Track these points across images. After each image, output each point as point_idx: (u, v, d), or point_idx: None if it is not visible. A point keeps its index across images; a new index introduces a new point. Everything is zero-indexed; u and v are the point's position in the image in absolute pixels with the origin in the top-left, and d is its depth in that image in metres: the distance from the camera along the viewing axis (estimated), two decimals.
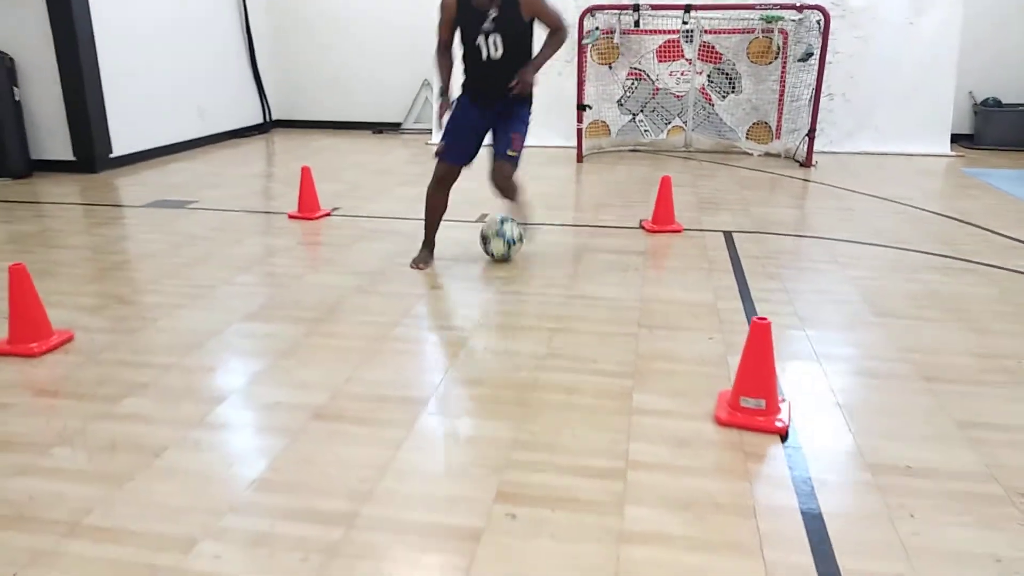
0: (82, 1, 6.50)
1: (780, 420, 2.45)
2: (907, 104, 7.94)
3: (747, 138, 7.92)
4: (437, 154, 3.99)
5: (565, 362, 2.97)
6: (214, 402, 2.65)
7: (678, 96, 8.01)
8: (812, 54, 7.12)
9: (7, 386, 2.77)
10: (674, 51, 7.85)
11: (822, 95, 7.18)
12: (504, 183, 3.92)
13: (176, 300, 3.64)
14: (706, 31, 7.71)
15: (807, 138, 7.17)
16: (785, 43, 7.54)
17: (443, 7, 3.73)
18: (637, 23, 7.60)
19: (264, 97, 9.60)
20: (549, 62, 3.78)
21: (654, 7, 7.45)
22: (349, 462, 2.27)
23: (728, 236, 4.75)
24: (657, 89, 8.01)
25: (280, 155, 8.28)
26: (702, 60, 7.84)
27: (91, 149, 6.76)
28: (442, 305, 3.70)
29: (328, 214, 5.32)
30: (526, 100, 3.87)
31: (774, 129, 7.82)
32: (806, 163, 7.22)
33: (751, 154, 7.82)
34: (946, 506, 2.07)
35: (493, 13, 3.61)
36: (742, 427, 2.45)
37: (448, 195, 4.09)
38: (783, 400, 2.58)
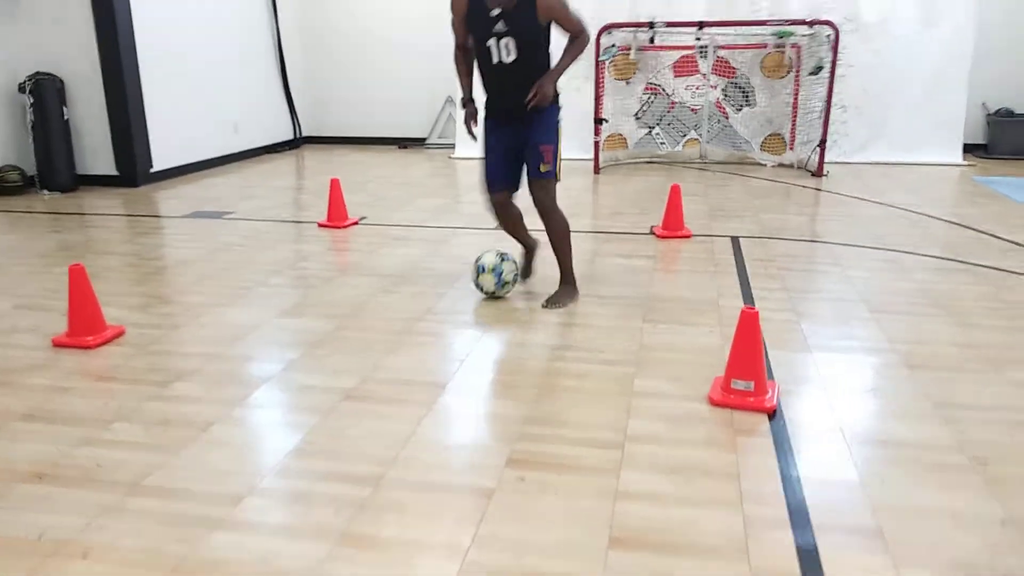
0: (127, 27, 6.93)
1: (768, 400, 2.68)
2: (919, 115, 8.11)
3: (762, 150, 8.13)
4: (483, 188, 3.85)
5: (575, 352, 3.22)
6: (254, 386, 2.94)
7: (694, 110, 8.25)
8: (822, 68, 7.33)
9: (68, 373, 3.08)
10: (690, 66, 8.10)
11: (836, 107, 7.36)
12: (545, 200, 3.70)
13: (216, 300, 3.95)
14: (720, 47, 7.95)
15: (818, 148, 7.37)
16: (798, 57, 7.75)
17: (453, 7, 3.56)
18: (652, 40, 7.87)
19: (295, 114, 10.01)
20: (570, 69, 3.55)
21: (668, 24, 7.71)
22: (376, 434, 2.53)
23: (735, 241, 4.98)
24: (673, 103, 8.25)
25: (310, 169, 8.65)
26: (717, 75, 8.08)
27: (133, 164, 7.16)
28: (461, 303, 3.95)
29: (356, 223, 5.62)
30: (552, 103, 3.59)
31: (788, 141, 8.01)
32: (817, 173, 7.41)
33: (764, 165, 8.02)
34: (914, 472, 2.28)
35: (496, 11, 3.40)
36: (733, 407, 2.67)
37: (512, 210, 3.85)
38: (772, 383, 2.80)
